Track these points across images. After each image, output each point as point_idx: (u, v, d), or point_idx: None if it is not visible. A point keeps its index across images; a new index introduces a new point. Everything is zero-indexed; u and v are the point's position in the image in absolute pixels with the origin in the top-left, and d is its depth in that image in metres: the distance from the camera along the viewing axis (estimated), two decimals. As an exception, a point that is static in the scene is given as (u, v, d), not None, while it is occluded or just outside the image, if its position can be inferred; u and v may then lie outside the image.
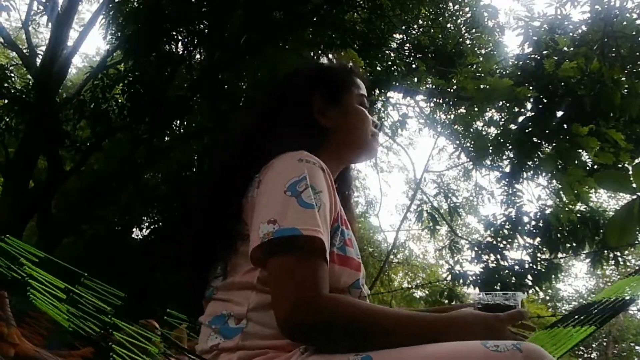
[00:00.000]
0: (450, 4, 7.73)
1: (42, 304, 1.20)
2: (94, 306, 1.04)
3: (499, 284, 5.57)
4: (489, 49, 7.69)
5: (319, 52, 7.20)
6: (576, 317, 1.12)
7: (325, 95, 1.10)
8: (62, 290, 1.07)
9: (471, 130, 6.50)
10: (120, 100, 7.01)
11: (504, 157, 5.93)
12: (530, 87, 5.22)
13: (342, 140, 1.09)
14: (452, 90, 6.45)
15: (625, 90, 4.74)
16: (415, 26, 7.80)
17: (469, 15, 7.71)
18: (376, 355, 0.77)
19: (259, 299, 0.88)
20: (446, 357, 0.74)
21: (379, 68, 6.65)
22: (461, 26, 7.82)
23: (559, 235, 5.56)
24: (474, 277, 5.92)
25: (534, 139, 5.25)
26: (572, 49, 5.27)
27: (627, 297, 1.12)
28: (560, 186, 5.37)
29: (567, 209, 5.60)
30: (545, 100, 5.18)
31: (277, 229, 0.82)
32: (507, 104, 5.52)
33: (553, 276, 5.77)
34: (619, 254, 5.57)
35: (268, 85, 1.19)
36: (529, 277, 5.65)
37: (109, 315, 0.89)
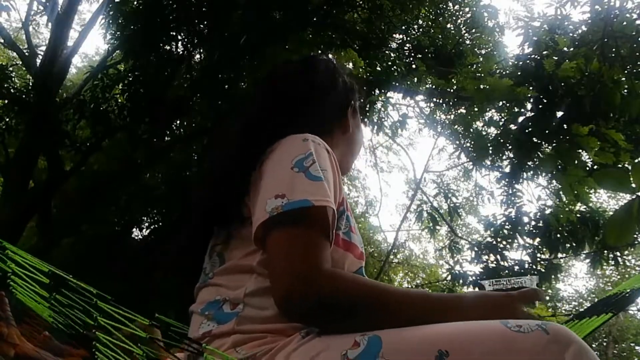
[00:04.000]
0: (450, 4, 7.73)
1: (24, 295, 1.19)
2: (79, 296, 1.02)
3: (498, 284, 5.55)
4: (489, 49, 7.69)
5: (319, 52, 7.19)
6: (591, 312, 1.12)
7: (356, 103, 1.15)
8: (46, 275, 1.05)
9: (471, 130, 6.50)
10: (120, 100, 7.02)
11: (504, 157, 5.93)
12: (530, 87, 5.22)
13: (345, 147, 1.12)
14: (452, 91, 6.45)
15: (625, 90, 4.73)
16: (415, 26, 7.79)
17: (469, 15, 7.71)
18: (385, 335, 0.72)
19: (258, 283, 0.84)
20: (464, 337, 0.69)
21: (379, 68, 6.64)
22: (461, 26, 7.82)
23: (558, 235, 5.56)
24: (474, 277, 5.92)
25: (534, 139, 5.25)
26: (572, 49, 5.27)
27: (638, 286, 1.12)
28: (560, 186, 5.37)
29: (567, 209, 5.61)
30: (545, 100, 5.18)
31: (287, 202, 0.79)
32: (507, 104, 5.52)
33: (553, 276, 5.77)
34: (618, 254, 5.57)
35: (296, 68, 1.14)
36: (529, 277, 5.65)
37: (94, 300, 0.86)
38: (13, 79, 7.56)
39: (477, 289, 5.89)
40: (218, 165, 0.99)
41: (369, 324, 0.75)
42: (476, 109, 5.97)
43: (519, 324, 0.69)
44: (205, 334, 0.84)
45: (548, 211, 5.71)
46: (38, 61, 7.32)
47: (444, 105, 7.17)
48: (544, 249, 5.81)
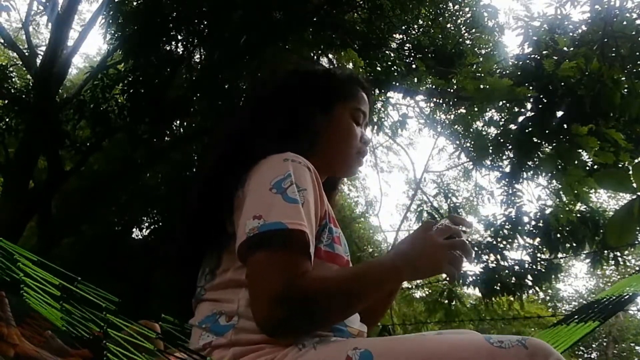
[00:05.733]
0: (450, 4, 7.73)
1: (35, 302, 1.20)
2: (88, 307, 1.04)
3: (499, 284, 5.57)
4: (489, 49, 7.69)
5: (319, 52, 7.20)
6: (578, 315, 1.13)
7: (317, 101, 1.08)
8: (56, 287, 1.06)
9: (471, 130, 6.50)
10: (120, 100, 7.01)
11: (504, 157, 5.93)
12: (530, 87, 5.21)
13: (326, 150, 1.08)
14: (452, 90, 6.44)
15: (625, 90, 4.73)
16: (415, 26, 7.79)
17: (469, 15, 7.71)
18: (376, 350, 0.75)
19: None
20: (448, 353, 0.72)
21: (379, 68, 6.64)
22: (461, 26, 7.82)
23: (558, 235, 5.56)
24: (474, 277, 5.92)
25: (534, 139, 5.24)
26: (572, 49, 5.26)
27: (628, 294, 1.13)
28: (560, 186, 5.37)
29: (567, 209, 5.60)
30: (545, 100, 5.17)
31: (263, 223, 0.82)
32: (507, 104, 5.52)
33: (553, 276, 5.77)
34: (619, 254, 5.56)
35: (261, 84, 1.19)
36: (529, 277, 5.65)
37: (103, 312, 0.88)
38: (13, 79, 7.56)
39: (477, 289, 5.88)
40: (202, 185, 1.02)
41: (342, 313, 0.85)
42: (476, 109, 5.96)
43: (501, 340, 0.72)
44: (206, 345, 0.88)
45: (548, 211, 5.71)
46: (38, 61, 7.32)
47: (444, 105, 7.16)
48: (544, 249, 5.81)
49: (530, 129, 5.27)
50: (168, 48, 6.89)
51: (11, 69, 7.67)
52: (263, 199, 0.86)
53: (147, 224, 8.52)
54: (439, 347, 0.74)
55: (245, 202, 0.89)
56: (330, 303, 0.82)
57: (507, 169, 5.94)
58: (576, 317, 1.11)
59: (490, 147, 5.69)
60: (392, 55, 6.95)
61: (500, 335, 0.73)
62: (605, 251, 5.49)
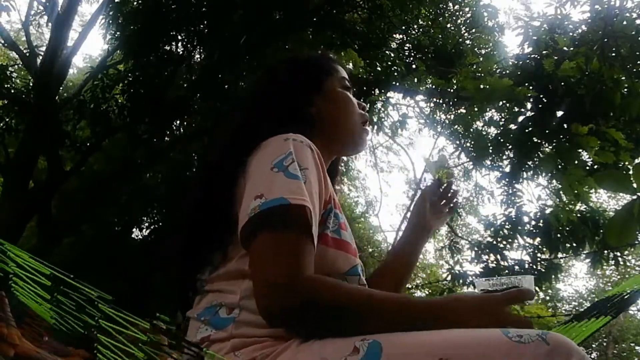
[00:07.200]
0: (450, 4, 7.73)
1: (26, 297, 1.19)
2: (80, 305, 1.02)
3: (498, 284, 5.55)
4: (489, 49, 7.69)
5: (319, 52, 7.18)
6: (590, 313, 1.12)
7: (308, 83, 1.09)
8: (48, 278, 1.05)
9: (471, 130, 6.50)
10: (120, 100, 7.02)
11: (504, 157, 5.93)
12: (530, 87, 5.21)
13: (329, 127, 1.07)
14: (452, 90, 6.44)
15: (625, 90, 4.73)
16: (415, 26, 7.79)
17: (469, 15, 7.71)
18: (385, 341, 0.71)
19: (252, 285, 0.83)
20: (465, 345, 0.69)
21: (379, 68, 6.64)
22: (461, 26, 7.82)
23: (559, 235, 5.55)
24: (474, 277, 5.91)
25: (534, 139, 5.24)
26: (572, 49, 5.27)
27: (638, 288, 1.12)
28: (560, 186, 5.37)
29: (567, 209, 5.60)
30: (545, 100, 5.17)
31: (264, 201, 0.79)
32: (507, 104, 5.52)
33: (553, 276, 5.76)
34: (619, 254, 5.56)
35: (254, 81, 1.23)
36: (529, 277, 5.64)
37: (96, 302, 0.86)
38: (13, 79, 7.56)
39: (471, 288, 5.88)
40: (203, 179, 1.01)
41: (351, 331, 0.74)
42: (476, 109, 5.96)
43: (520, 334, 0.69)
44: (204, 339, 0.84)
45: (548, 211, 5.70)
46: (38, 61, 7.31)
47: (444, 105, 7.16)
48: (544, 249, 5.80)
49: (530, 129, 5.27)
50: (168, 48, 6.89)
51: (11, 69, 7.67)
52: (264, 178, 0.84)
53: (147, 224, 8.52)
54: (455, 340, 0.70)
55: (247, 185, 0.87)
56: (325, 312, 0.76)
57: (507, 169, 5.94)
58: (587, 315, 1.10)
59: (490, 147, 5.69)
60: (392, 55, 6.95)
61: (518, 329, 0.70)
62: (605, 251, 5.48)
